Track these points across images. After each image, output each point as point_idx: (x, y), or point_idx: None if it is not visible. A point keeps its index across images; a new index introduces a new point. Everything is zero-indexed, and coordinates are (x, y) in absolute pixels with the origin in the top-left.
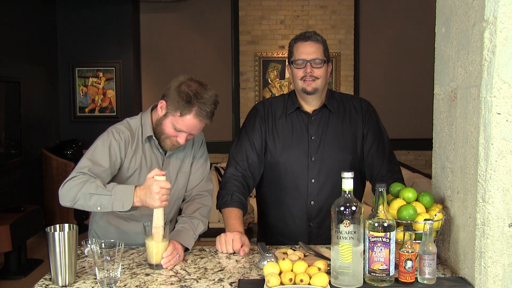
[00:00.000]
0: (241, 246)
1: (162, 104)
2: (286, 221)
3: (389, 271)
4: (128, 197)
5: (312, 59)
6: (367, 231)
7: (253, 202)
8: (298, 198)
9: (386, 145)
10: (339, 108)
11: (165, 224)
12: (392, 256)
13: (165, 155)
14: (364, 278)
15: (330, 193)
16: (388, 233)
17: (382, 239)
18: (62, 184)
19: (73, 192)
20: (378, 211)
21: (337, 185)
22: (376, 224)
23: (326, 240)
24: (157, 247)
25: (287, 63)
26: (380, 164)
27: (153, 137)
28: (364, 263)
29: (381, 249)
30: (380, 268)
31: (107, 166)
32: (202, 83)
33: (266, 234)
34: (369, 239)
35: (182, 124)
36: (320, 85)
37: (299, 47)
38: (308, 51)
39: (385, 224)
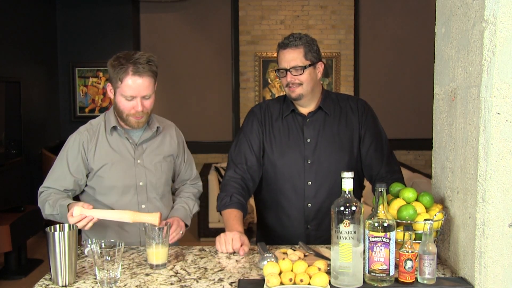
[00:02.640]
0: (241, 246)
1: (109, 87)
2: (284, 223)
3: (389, 271)
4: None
5: (291, 67)
6: (367, 231)
7: (253, 202)
8: (295, 200)
9: (384, 145)
10: (335, 109)
11: (166, 224)
12: (392, 256)
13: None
14: (364, 278)
15: (327, 195)
16: (388, 233)
17: (382, 239)
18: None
19: (42, 208)
20: (378, 211)
21: (334, 187)
22: (376, 224)
23: (324, 242)
24: (158, 248)
25: None
26: (379, 164)
27: (118, 127)
28: (364, 263)
29: (381, 249)
30: (380, 268)
31: (71, 183)
32: (131, 51)
33: (265, 236)
34: (369, 239)
35: (127, 89)
36: (305, 90)
37: (280, 55)
38: (286, 59)
39: (385, 224)
